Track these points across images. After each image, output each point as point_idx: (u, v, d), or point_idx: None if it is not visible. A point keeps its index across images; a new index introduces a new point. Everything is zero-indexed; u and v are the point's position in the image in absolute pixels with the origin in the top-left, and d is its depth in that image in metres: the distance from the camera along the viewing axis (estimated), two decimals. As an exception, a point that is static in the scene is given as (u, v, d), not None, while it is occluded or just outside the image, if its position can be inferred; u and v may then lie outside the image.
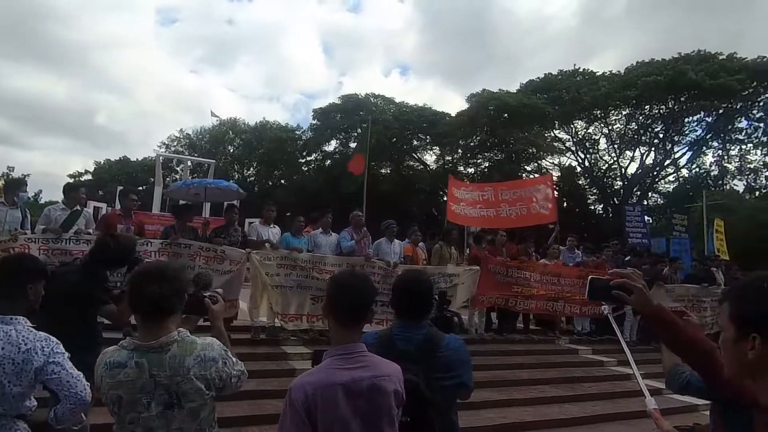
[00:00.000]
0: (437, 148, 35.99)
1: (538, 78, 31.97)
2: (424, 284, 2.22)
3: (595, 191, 33.35)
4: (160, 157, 24.32)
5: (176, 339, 1.62)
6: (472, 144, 33.95)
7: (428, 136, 35.10)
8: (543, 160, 33.83)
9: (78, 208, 5.49)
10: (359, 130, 35.01)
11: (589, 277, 1.63)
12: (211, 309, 1.92)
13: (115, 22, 68.74)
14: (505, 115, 29.38)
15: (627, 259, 9.23)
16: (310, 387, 1.62)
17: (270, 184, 40.30)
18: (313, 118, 36.66)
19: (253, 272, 6.18)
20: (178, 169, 34.96)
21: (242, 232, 6.51)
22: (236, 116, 42.88)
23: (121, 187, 12.30)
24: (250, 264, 6.15)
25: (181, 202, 11.34)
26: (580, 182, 33.70)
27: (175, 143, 41.95)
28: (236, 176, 40.98)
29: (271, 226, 6.66)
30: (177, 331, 1.64)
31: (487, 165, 34.32)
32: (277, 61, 75.08)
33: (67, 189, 5.51)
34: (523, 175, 30.85)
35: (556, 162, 33.85)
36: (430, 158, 37.30)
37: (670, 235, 13.40)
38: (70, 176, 41.76)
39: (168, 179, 29.84)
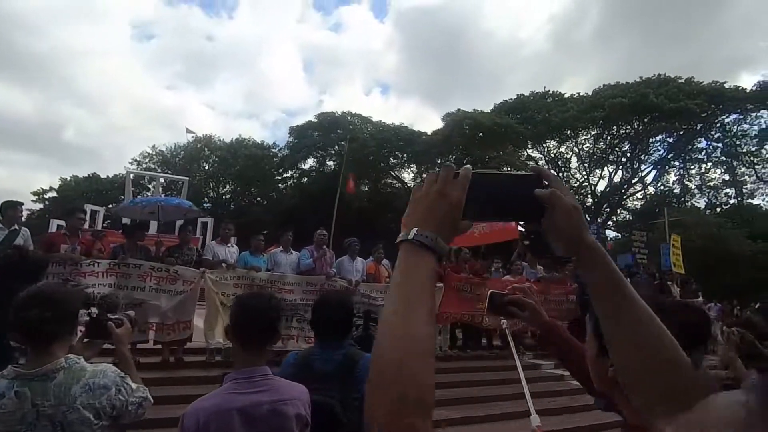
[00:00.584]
0: (414, 166, 36.33)
1: (511, 99, 32.85)
2: (343, 305, 2.21)
3: (567, 208, 34.04)
4: (131, 174, 23.82)
5: (62, 366, 1.55)
6: (448, 162, 34.33)
7: (405, 155, 35.45)
8: (517, 179, 34.46)
9: (16, 227, 5.27)
10: (336, 148, 35.19)
11: (489, 292, 1.65)
12: (114, 333, 1.85)
13: (87, 34, 67.97)
14: (480, 134, 29.96)
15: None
16: (203, 413, 1.57)
17: (245, 201, 39.85)
18: (290, 136, 36.63)
19: (207, 293, 6.04)
20: (150, 186, 34.32)
21: (198, 252, 6.38)
22: (212, 133, 42.49)
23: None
24: (204, 284, 6.02)
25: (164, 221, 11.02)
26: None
27: (148, 160, 41.19)
28: (211, 194, 40.49)
29: (229, 245, 6.55)
30: (64, 357, 1.57)
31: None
32: (257, 79, 75.44)
33: (4, 207, 5.27)
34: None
35: (529, 180, 34.51)
36: (407, 176, 37.61)
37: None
38: (34, 193, 40.57)
39: (140, 197, 29.24)
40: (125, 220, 16.58)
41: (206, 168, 41.05)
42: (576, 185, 32.84)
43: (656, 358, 0.75)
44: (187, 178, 24.75)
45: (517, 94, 32.88)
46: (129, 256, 5.66)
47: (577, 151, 31.46)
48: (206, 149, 41.09)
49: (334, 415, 1.93)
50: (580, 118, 27.60)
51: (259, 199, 39.45)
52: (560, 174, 32.98)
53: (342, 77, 73.59)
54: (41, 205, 39.40)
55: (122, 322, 1.90)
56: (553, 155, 32.40)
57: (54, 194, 40.28)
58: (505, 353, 8.40)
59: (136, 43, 76.59)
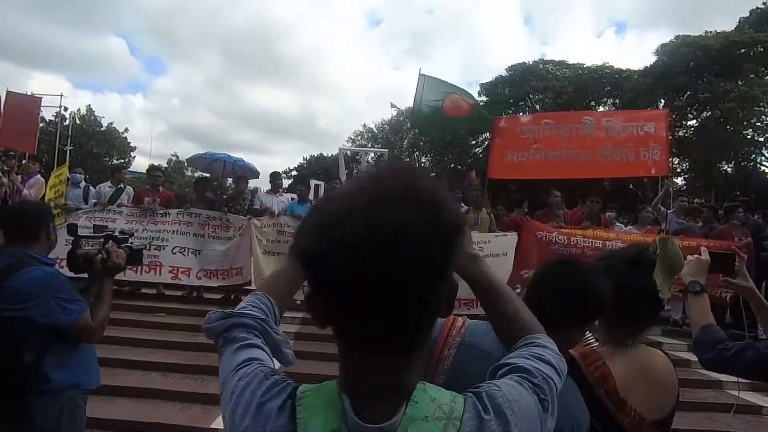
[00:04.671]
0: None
1: (765, 4, 23.92)
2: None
3: None
4: (346, 151, 27.01)
5: None
6: (675, 103, 27.55)
7: (616, 100, 30.19)
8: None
9: (122, 185, 6.77)
10: (529, 101, 32.40)
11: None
12: None
13: (329, 32, 79.00)
14: (720, 62, 22.83)
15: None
16: None
17: (446, 169, 40.72)
18: (480, 95, 35.31)
19: (252, 239, 6.48)
20: (361, 161, 38.65)
21: (251, 202, 6.92)
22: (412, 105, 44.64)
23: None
24: (249, 231, 6.48)
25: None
26: None
27: (360, 137, 46.17)
28: (414, 163, 42.89)
29: (278, 194, 6.91)
30: None
31: (694, 127, 27.47)
32: (476, 42, 74.15)
33: (111, 171, 6.84)
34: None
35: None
36: (619, 126, 31.88)
37: None
38: (284, 172, 50.42)
39: (355, 171, 33.22)
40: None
41: (408, 138, 43.57)
42: None
43: None
44: (387, 150, 26.82)
45: (778, -6, 23.68)
46: (193, 207, 6.56)
47: None
48: (407, 121, 43.52)
49: None
50: None
51: (454, 165, 39.71)
52: None
53: (567, 22, 64.81)
54: (288, 181, 49.03)
55: None
56: None
57: (295, 172, 49.32)
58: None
59: (368, 31, 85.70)
